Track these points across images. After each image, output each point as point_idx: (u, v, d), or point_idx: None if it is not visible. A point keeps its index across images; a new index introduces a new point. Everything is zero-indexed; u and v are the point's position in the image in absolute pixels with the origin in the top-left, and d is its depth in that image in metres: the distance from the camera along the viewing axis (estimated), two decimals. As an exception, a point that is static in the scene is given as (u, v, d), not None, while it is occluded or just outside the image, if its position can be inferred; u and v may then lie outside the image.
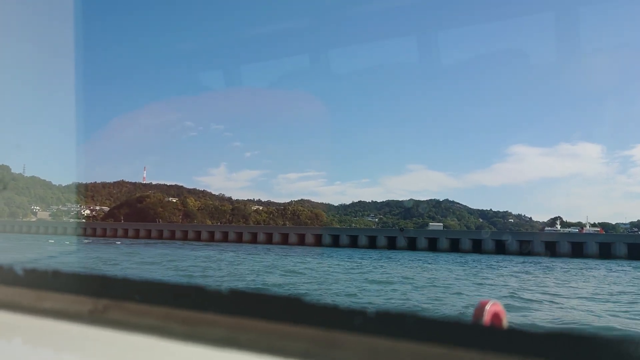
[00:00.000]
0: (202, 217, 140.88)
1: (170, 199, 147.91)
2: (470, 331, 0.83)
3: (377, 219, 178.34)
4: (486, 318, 1.04)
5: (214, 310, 1.01)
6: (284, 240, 70.13)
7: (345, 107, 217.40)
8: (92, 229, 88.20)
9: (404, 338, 0.85)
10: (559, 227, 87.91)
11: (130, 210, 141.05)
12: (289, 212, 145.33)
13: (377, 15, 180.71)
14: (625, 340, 0.74)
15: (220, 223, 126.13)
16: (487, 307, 1.05)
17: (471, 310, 1.08)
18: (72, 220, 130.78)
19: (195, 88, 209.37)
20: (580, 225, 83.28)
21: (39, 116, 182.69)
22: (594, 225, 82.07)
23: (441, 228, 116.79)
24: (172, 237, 79.68)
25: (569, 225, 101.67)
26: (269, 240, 71.17)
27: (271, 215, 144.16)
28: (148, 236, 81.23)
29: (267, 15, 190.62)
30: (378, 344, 0.86)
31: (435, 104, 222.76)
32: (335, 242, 66.25)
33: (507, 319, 1.09)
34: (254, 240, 72.09)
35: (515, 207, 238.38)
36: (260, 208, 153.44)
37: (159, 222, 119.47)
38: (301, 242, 68.81)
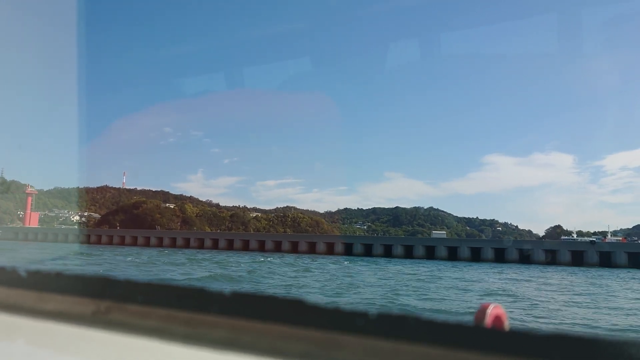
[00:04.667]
0: (201, 223, 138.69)
1: (168, 205, 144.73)
2: (471, 333, 0.83)
3: (365, 227, 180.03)
4: (488, 320, 1.05)
5: (215, 312, 1.01)
6: (312, 249, 68.30)
7: (325, 115, 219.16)
8: (96, 236, 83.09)
9: (405, 340, 0.85)
10: (575, 236, 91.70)
11: (126, 217, 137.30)
12: (289, 219, 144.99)
13: (368, 22, 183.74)
14: (626, 343, 0.75)
15: (220, 230, 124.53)
16: (489, 310, 1.06)
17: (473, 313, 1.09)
18: (63, 226, 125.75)
19: (173, 94, 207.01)
20: (603, 234, 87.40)
21: (19, 120, 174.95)
22: (614, 234, 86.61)
23: (444, 236, 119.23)
24: (187, 245, 76.22)
25: (570, 234, 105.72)
26: (294, 249, 69.44)
27: (271, 223, 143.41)
28: (160, 244, 77.57)
29: (258, 20, 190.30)
30: (379, 345, 0.86)
31: (413, 113, 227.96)
32: (389, 252, 64.84)
33: (508, 322, 1.10)
34: (278, 248, 70.48)
35: (491, 215, 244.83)
36: (259, 215, 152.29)
37: (157, 228, 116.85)
38: (330, 251, 67.04)
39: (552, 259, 54.58)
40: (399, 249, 65.75)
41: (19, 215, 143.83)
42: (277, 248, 69.94)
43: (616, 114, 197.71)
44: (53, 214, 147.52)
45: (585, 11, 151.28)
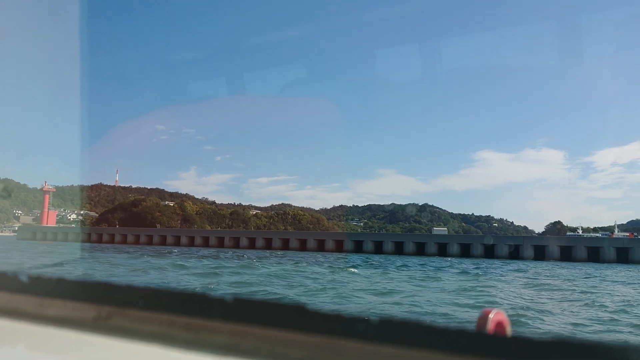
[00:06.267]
0: (201, 221, 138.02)
1: (167, 203, 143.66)
2: (473, 339, 0.83)
3: (362, 223, 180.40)
4: (490, 326, 1.04)
5: (216, 317, 1.01)
6: (321, 247, 66.08)
7: (318, 113, 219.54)
8: (121, 236, 76.53)
9: (407, 345, 0.85)
10: (580, 232, 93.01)
11: (125, 215, 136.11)
12: (290, 216, 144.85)
13: (364, 25, 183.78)
14: (629, 348, 0.74)
15: (220, 228, 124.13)
16: (491, 316, 1.05)
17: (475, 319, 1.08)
18: (61, 225, 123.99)
19: (168, 96, 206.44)
20: (610, 230, 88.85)
21: (14, 118, 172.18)
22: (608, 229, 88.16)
23: (446, 232, 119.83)
24: (191, 243, 72.56)
25: (572, 230, 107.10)
26: (303, 247, 67.00)
27: (271, 220, 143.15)
28: (177, 243, 73.16)
29: (256, 25, 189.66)
30: (381, 351, 0.86)
31: (405, 110, 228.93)
32: (400, 250, 62.85)
33: (510, 328, 1.09)
34: (321, 247, 66.74)
35: (482, 211, 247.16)
36: (259, 212, 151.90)
37: (158, 226, 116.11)
38: (359, 249, 64.41)
39: (624, 257, 53.47)
40: (389, 245, 64.57)
41: (15, 214, 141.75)
42: (321, 247, 66.41)
43: (606, 111, 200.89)
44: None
45: (580, 17, 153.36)
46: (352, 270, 26.89)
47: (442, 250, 60.78)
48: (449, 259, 52.22)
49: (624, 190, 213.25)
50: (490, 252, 57.90)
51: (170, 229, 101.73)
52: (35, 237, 77.19)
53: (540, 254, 55.73)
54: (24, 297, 1.26)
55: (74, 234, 78.27)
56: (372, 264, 36.36)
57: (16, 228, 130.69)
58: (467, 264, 41.73)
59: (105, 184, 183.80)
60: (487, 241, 60.59)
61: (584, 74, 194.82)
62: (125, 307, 1.13)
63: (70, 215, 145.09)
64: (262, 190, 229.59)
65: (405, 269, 31.67)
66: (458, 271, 30.52)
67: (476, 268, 34.24)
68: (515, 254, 56.51)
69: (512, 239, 65.13)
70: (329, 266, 30.93)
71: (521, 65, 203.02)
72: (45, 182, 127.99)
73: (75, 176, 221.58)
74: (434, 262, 43.48)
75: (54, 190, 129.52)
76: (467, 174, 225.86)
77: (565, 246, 56.31)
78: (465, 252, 59.50)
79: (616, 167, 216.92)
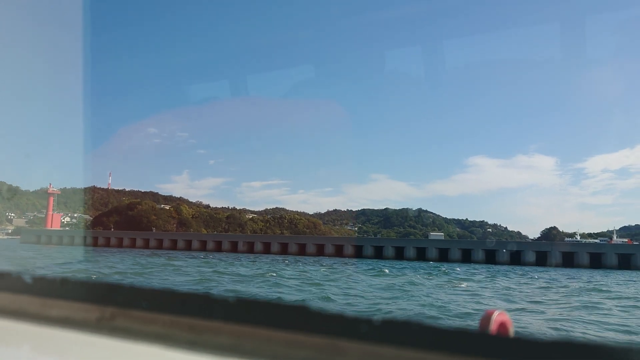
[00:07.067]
0: (197, 225, 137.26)
1: (162, 206, 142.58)
2: (476, 340, 0.83)
3: (356, 228, 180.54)
4: (492, 327, 1.04)
5: (219, 318, 1.02)
6: (339, 252, 65.70)
7: (311, 118, 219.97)
8: (130, 239, 74.56)
9: (409, 346, 0.85)
10: (578, 237, 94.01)
11: (120, 218, 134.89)
12: (286, 220, 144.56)
13: (361, 28, 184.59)
14: (631, 349, 0.74)
15: (216, 232, 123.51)
16: (494, 317, 1.05)
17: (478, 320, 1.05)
18: (65, 229, 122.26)
19: (163, 99, 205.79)
20: (608, 236, 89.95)
21: (8, 119, 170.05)
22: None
23: (442, 238, 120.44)
24: (203, 247, 70.93)
25: (567, 235, 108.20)
26: (320, 252, 66.92)
27: (268, 224, 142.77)
28: (187, 247, 71.92)
29: (255, 28, 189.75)
30: (383, 352, 0.86)
31: (399, 115, 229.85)
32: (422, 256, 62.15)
33: (513, 329, 1.08)
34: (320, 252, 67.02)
35: (474, 216, 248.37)
36: (255, 216, 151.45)
37: (153, 230, 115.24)
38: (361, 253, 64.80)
39: None
40: (411, 252, 64.36)
41: (7, 216, 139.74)
42: (339, 252, 65.90)
43: (598, 118, 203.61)
44: (43, 215, 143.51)
45: (578, 20, 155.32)
46: (463, 285, 23.47)
47: (467, 257, 59.96)
48: (475, 265, 51.73)
49: (614, 196, 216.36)
50: (516, 259, 56.87)
51: (179, 233, 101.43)
52: (39, 240, 74.95)
53: (569, 262, 54.52)
54: (27, 298, 1.26)
55: (80, 237, 75.57)
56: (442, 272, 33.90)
57: (9, 231, 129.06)
58: (541, 272, 39.95)
59: (98, 187, 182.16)
60: (511, 248, 59.87)
61: (576, 81, 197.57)
62: (128, 308, 1.13)
63: (64, 218, 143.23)
64: (255, 194, 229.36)
65: (507, 278, 29.32)
66: (566, 288, 25.22)
67: (588, 281, 30.68)
68: (542, 261, 55.23)
69: (538, 245, 64.73)
70: (420, 275, 29.04)
71: (514, 70, 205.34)
72: (50, 184, 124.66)
73: (69, 179, 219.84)
74: (507, 270, 41.67)
75: (59, 192, 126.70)
76: (460, 180, 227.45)
77: (594, 253, 55.44)
78: (491, 259, 58.28)
79: (607, 173, 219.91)
